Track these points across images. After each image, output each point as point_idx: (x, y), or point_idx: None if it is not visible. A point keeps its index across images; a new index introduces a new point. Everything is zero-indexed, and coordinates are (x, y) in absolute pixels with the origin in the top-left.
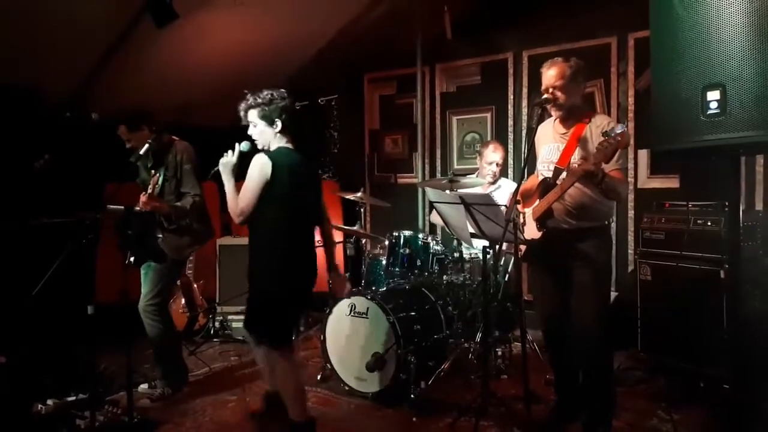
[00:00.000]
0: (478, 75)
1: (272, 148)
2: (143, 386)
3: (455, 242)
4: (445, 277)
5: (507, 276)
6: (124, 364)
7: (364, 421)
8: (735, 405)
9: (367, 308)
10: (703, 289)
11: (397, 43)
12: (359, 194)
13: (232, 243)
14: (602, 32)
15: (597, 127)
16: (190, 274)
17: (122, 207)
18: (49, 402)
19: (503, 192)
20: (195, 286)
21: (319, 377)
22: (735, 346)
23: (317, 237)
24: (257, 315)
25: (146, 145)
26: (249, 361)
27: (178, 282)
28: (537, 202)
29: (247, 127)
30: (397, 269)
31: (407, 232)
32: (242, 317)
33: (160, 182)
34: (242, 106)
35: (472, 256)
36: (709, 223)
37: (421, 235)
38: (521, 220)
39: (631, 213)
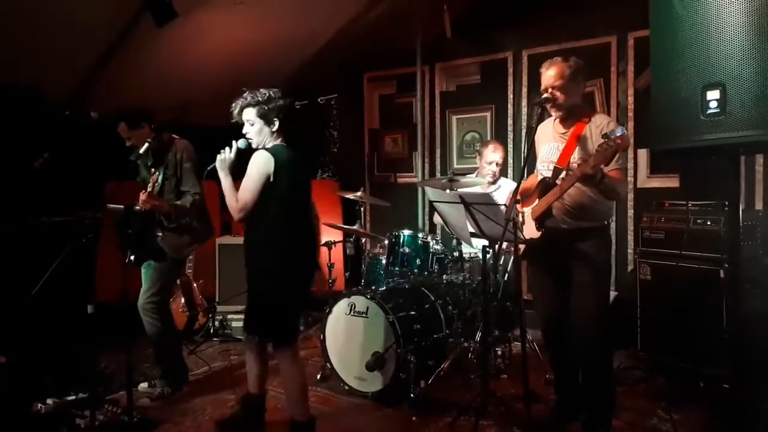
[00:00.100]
0: (478, 74)
1: (267, 146)
2: (143, 385)
3: (455, 242)
4: (444, 276)
5: (507, 275)
6: (124, 363)
7: (364, 420)
8: (735, 404)
9: (367, 307)
10: (703, 289)
11: (396, 43)
12: (359, 193)
13: (232, 242)
14: (602, 31)
15: (597, 126)
16: (189, 274)
17: (122, 206)
18: (49, 401)
19: (503, 192)
20: (195, 285)
21: (318, 376)
22: (735, 346)
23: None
24: (260, 315)
25: (146, 144)
26: None
27: (178, 281)
28: (536, 201)
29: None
30: (396, 269)
31: (407, 232)
32: (242, 316)
33: (159, 181)
34: (240, 103)
35: (472, 255)
36: (708, 223)
37: (420, 235)
38: (520, 220)
39: (630, 212)
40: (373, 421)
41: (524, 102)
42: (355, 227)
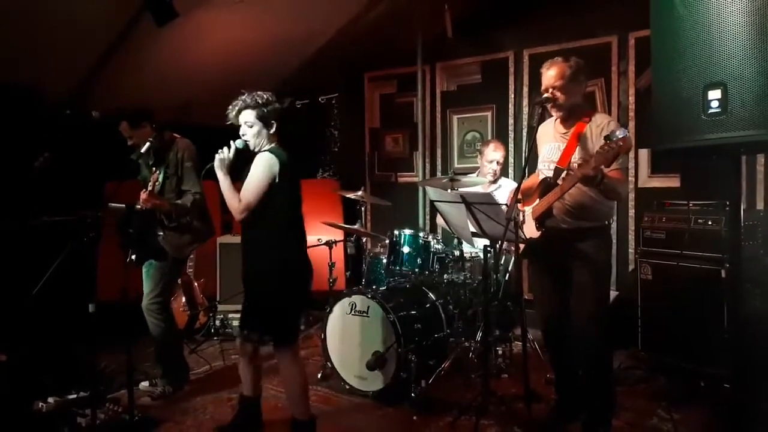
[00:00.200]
0: (479, 74)
1: (264, 148)
2: (144, 384)
3: (456, 241)
4: (445, 275)
5: (507, 275)
6: (125, 362)
7: (365, 419)
8: (735, 404)
9: (368, 307)
10: (704, 289)
11: (397, 42)
12: (360, 193)
13: (233, 241)
14: (603, 31)
15: (597, 126)
16: (190, 273)
17: (123, 205)
18: (50, 400)
19: (504, 191)
20: (196, 284)
21: (319, 376)
22: (735, 346)
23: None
24: (261, 314)
25: (147, 143)
26: None
27: (179, 280)
28: (537, 201)
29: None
30: (397, 268)
31: (408, 231)
32: None
33: (160, 180)
34: (238, 105)
35: (473, 255)
36: (709, 223)
37: (421, 234)
38: (521, 219)
39: (631, 212)
40: (374, 421)
41: (525, 102)
42: (355, 226)
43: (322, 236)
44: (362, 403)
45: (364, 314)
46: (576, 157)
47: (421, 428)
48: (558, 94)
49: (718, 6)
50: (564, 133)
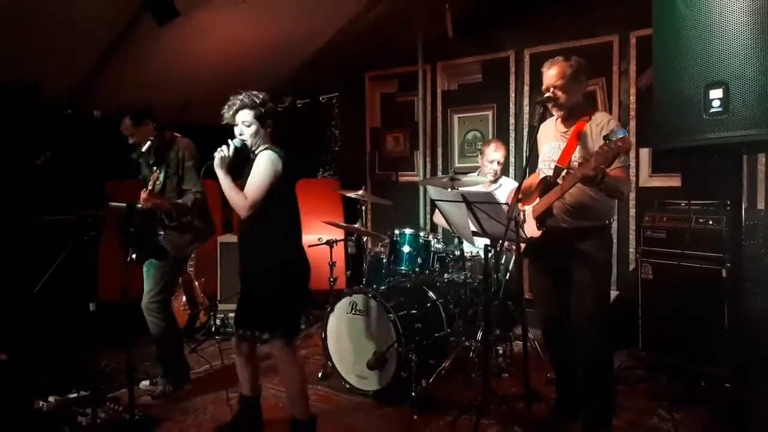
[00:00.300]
0: (480, 73)
1: (260, 148)
2: (144, 383)
3: (456, 240)
4: (446, 275)
5: (508, 274)
6: (126, 361)
7: (365, 419)
8: (736, 404)
9: (368, 306)
10: (705, 288)
11: (398, 41)
12: (360, 192)
13: (233, 240)
14: (604, 30)
15: (597, 124)
16: (191, 272)
17: (124, 204)
18: (51, 399)
19: (504, 190)
20: (196, 283)
21: (320, 375)
22: (736, 345)
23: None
24: (264, 313)
25: (148, 142)
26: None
27: (180, 279)
28: (537, 200)
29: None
30: (398, 267)
31: (408, 230)
32: None
33: (161, 179)
34: (236, 104)
35: (473, 254)
36: (710, 222)
37: (422, 233)
38: (521, 218)
39: (632, 212)
40: (374, 420)
41: (526, 101)
42: (356, 226)
43: (322, 235)
44: (362, 402)
45: (365, 313)
46: (576, 156)
47: (422, 427)
48: (559, 93)
49: (720, 5)
50: (564, 132)
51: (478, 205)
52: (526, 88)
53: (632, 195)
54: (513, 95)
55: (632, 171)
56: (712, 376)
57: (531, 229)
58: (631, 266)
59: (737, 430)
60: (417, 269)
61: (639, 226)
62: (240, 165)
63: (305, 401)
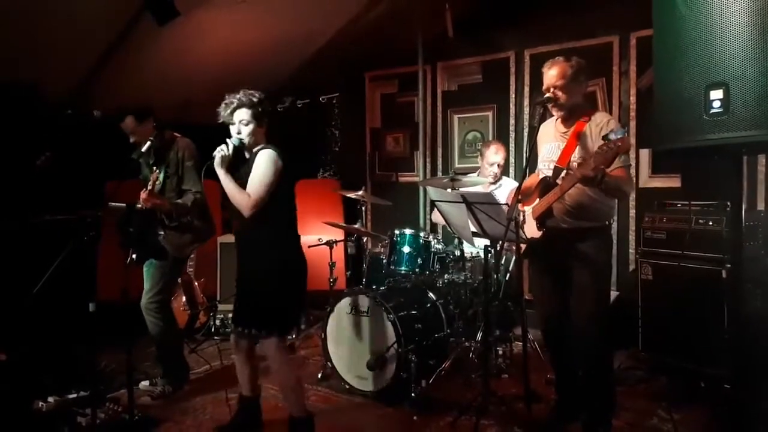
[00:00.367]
0: (480, 73)
1: (258, 147)
2: (144, 384)
3: (456, 241)
4: (446, 275)
5: (508, 275)
6: (125, 361)
7: (365, 419)
8: (736, 405)
9: (368, 307)
10: (705, 289)
11: (398, 42)
12: (360, 192)
13: (233, 241)
14: (604, 31)
15: (596, 125)
16: (191, 272)
17: (123, 205)
18: (50, 399)
19: (504, 191)
20: (196, 283)
21: (319, 376)
22: (736, 346)
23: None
24: (262, 311)
25: (148, 142)
26: None
27: (179, 280)
28: (537, 201)
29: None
30: (398, 268)
31: (408, 231)
32: None
33: (161, 179)
34: (234, 103)
35: (473, 254)
36: (710, 223)
37: (422, 234)
38: (521, 219)
39: (632, 212)
40: (374, 421)
41: (526, 102)
42: (356, 226)
43: (322, 236)
44: (362, 403)
45: (365, 314)
46: (576, 156)
47: (421, 428)
48: (559, 93)
49: (720, 6)
50: (564, 133)
51: (478, 205)
52: (527, 89)
53: (632, 195)
54: (513, 96)
55: (632, 171)
56: (712, 376)
57: (531, 230)
58: (631, 267)
59: (737, 430)
60: (417, 270)
61: (639, 227)
62: (236, 164)
63: (302, 399)
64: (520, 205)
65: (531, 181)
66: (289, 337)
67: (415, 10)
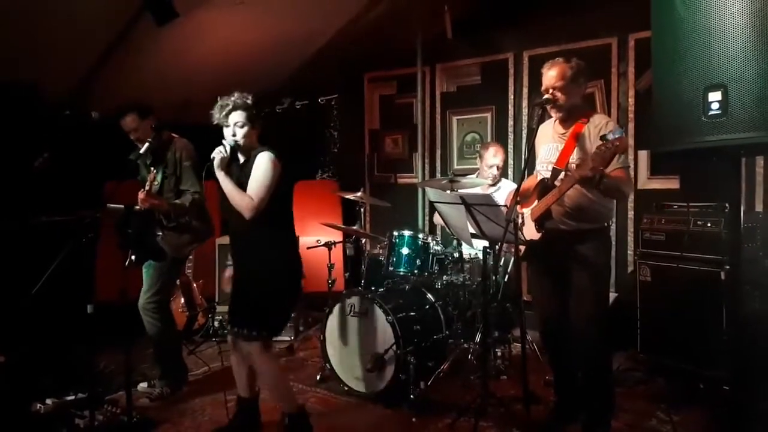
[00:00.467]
0: (479, 75)
1: (256, 149)
2: (142, 385)
3: (455, 242)
4: (444, 277)
5: (507, 276)
6: (124, 363)
7: (364, 421)
8: (735, 406)
9: (367, 308)
10: (703, 291)
11: (397, 43)
12: (359, 194)
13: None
14: (603, 32)
15: (595, 126)
16: (189, 273)
17: (122, 206)
18: (48, 401)
19: (503, 192)
20: (194, 285)
21: (318, 377)
22: (735, 348)
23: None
24: (259, 309)
25: (147, 143)
26: None
27: (178, 281)
28: (535, 202)
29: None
30: (396, 269)
31: (407, 232)
32: None
33: (158, 180)
34: (229, 105)
35: (472, 256)
36: (709, 225)
37: (421, 235)
38: (520, 221)
39: (630, 214)
40: (373, 422)
41: (525, 103)
42: (355, 228)
43: (321, 237)
44: (361, 404)
45: (363, 316)
46: (574, 157)
47: (420, 430)
48: (558, 94)
49: (719, 8)
50: (562, 134)
51: (477, 207)
52: (525, 90)
53: (631, 197)
54: (512, 97)
55: (631, 173)
56: (711, 378)
57: (530, 232)
58: (630, 268)
59: None
60: (416, 271)
61: (637, 228)
62: (229, 166)
63: (290, 394)
64: (518, 207)
65: (529, 182)
66: (288, 339)
67: (414, 11)
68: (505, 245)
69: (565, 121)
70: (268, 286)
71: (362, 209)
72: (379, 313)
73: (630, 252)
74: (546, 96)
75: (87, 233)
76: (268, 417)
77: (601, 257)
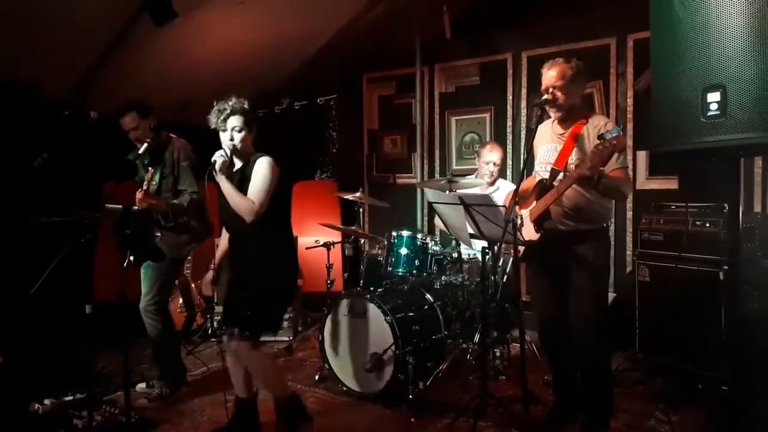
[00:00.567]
0: (477, 75)
1: (255, 154)
2: (141, 386)
3: (454, 243)
4: (443, 277)
5: (505, 277)
6: (122, 363)
7: (362, 421)
8: (733, 406)
9: (366, 309)
10: (702, 291)
11: (396, 43)
12: (358, 194)
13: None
14: (601, 33)
15: (594, 127)
16: (188, 274)
17: (120, 206)
18: (47, 402)
19: (501, 193)
20: (193, 285)
21: (317, 377)
22: (733, 348)
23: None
24: (247, 309)
25: (145, 144)
26: None
27: (176, 282)
28: (534, 203)
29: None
30: (395, 270)
31: (406, 233)
32: None
33: (156, 179)
34: (227, 110)
35: (471, 256)
36: (707, 225)
37: (419, 236)
38: (519, 222)
39: (629, 214)
40: (371, 423)
41: (523, 103)
42: (353, 228)
43: (319, 237)
44: (360, 404)
45: (362, 316)
46: (573, 158)
47: (419, 430)
48: (558, 93)
49: (718, 8)
50: (561, 134)
51: (476, 207)
52: (524, 91)
53: (629, 197)
54: (510, 97)
55: (629, 173)
56: (710, 378)
57: (529, 233)
58: (628, 268)
59: None
60: (414, 271)
61: (636, 229)
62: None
63: (280, 380)
64: (517, 207)
65: (528, 183)
66: (287, 339)
67: (413, 12)
68: (503, 246)
69: (563, 121)
70: (266, 286)
71: (361, 209)
72: (377, 314)
73: (629, 252)
74: (545, 96)
75: (86, 233)
76: (267, 417)
77: (600, 257)
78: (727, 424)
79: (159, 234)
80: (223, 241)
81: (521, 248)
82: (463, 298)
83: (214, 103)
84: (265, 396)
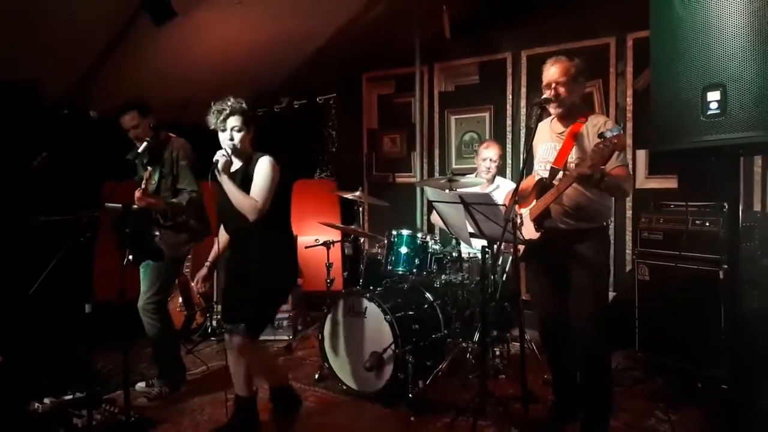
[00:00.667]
0: (477, 74)
1: (245, 152)
2: (140, 385)
3: (454, 241)
4: (443, 276)
5: (505, 276)
6: (122, 362)
7: (362, 420)
8: (733, 405)
9: (366, 307)
10: (702, 290)
11: (395, 43)
12: (357, 193)
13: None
14: (601, 32)
15: (594, 126)
16: (187, 273)
17: (120, 205)
18: (46, 401)
19: (501, 192)
20: (192, 284)
21: (316, 376)
22: (733, 347)
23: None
24: (243, 305)
25: (144, 143)
26: None
27: (176, 280)
28: (534, 202)
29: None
30: (395, 269)
31: (405, 232)
32: None
33: (155, 179)
34: (226, 110)
35: (471, 255)
36: (707, 224)
37: (419, 235)
38: (519, 221)
39: (629, 213)
40: (371, 422)
41: (523, 102)
42: (353, 227)
43: (319, 236)
44: (359, 403)
45: (362, 315)
46: (572, 157)
47: (419, 429)
48: (561, 89)
49: (718, 8)
50: (560, 133)
51: (476, 206)
52: (523, 90)
53: (629, 196)
54: (510, 97)
55: (630, 171)
56: (709, 377)
57: (529, 232)
58: (628, 267)
59: (734, 431)
60: (414, 270)
61: (636, 228)
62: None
63: (280, 372)
64: (517, 206)
65: (528, 182)
66: (287, 338)
67: (412, 11)
68: (503, 244)
69: (563, 120)
70: (266, 285)
71: (361, 208)
72: (377, 312)
73: (628, 251)
74: (545, 95)
75: (85, 233)
76: (266, 416)
77: (600, 256)
78: (727, 422)
79: (158, 233)
80: (220, 240)
81: (521, 247)
82: (462, 297)
83: (212, 104)
84: (265, 396)
